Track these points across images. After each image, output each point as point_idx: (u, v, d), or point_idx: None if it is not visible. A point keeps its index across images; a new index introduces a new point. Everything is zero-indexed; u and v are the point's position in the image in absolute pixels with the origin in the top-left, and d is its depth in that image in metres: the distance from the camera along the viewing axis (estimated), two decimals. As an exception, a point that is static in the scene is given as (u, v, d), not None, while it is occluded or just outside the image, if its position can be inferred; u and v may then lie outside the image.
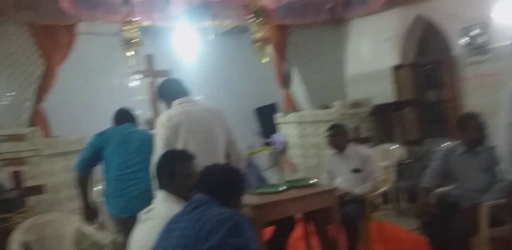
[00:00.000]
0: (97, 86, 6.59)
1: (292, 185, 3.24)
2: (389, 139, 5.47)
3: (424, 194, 3.04)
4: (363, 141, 5.42)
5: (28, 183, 3.83)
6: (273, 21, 5.13)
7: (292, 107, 6.29)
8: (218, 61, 7.86)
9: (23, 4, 4.36)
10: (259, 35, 4.88)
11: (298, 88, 6.23)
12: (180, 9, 4.38)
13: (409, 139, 5.52)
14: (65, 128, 5.47)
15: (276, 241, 3.34)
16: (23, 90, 4.60)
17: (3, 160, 3.75)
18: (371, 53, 5.96)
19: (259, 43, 4.88)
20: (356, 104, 5.50)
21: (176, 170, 2.01)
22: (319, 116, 5.47)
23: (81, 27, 5.95)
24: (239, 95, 8.11)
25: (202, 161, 2.15)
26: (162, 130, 2.67)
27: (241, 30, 6.05)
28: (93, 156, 3.06)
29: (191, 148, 2.54)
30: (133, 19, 4.54)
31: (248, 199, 2.94)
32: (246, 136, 7.70)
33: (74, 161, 4.09)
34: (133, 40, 4.76)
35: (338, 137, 3.51)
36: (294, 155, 5.69)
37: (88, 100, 6.69)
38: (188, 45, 6.73)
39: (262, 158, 7.19)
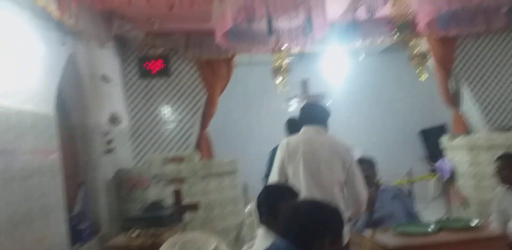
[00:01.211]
0: (258, 111, 7.01)
1: (446, 225, 2.70)
2: None
3: None
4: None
5: (185, 201, 4.22)
6: (433, 34, 4.57)
7: (464, 129, 5.45)
8: (376, 81, 7.49)
9: (191, 43, 5.14)
10: (415, 50, 4.39)
11: (470, 108, 5.37)
12: (327, 33, 4.30)
13: None
14: (229, 150, 5.98)
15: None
16: (190, 117, 5.21)
17: (166, 179, 4.24)
18: None
19: (416, 59, 4.38)
20: (550, 126, 4.40)
21: (277, 207, 1.87)
22: (496, 140, 4.56)
23: (241, 59, 6.49)
24: (402, 116, 7.53)
25: (310, 194, 1.96)
26: (279, 153, 2.61)
27: (398, 47, 5.60)
28: None
29: (301, 177, 2.46)
30: (281, 48, 4.68)
31: (387, 238, 2.59)
32: (407, 161, 7.02)
33: (225, 182, 4.44)
34: (282, 68, 4.86)
35: (509, 171, 2.81)
36: (464, 186, 4.84)
37: (250, 124, 7.17)
38: (340, 67, 6.61)
39: (426, 187, 6.41)
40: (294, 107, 7.50)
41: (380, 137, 7.46)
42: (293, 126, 3.67)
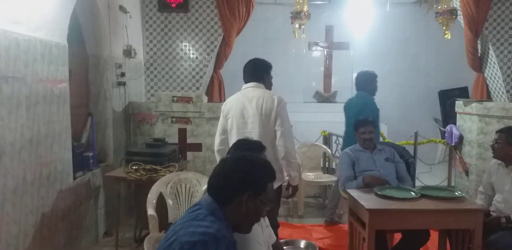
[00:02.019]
0: (277, 56, 6.87)
1: (428, 193, 2.75)
2: None
3: None
4: None
5: (189, 140, 4.38)
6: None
7: (483, 95, 5.28)
8: (404, 35, 7.15)
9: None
10: (443, 6, 4.09)
11: (493, 73, 5.13)
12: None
13: None
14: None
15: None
16: (204, 57, 5.18)
17: (173, 117, 4.36)
18: None
19: (444, 15, 4.09)
20: None
21: None
22: (510, 111, 4.41)
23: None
24: (425, 74, 7.31)
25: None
26: (221, 113, 2.91)
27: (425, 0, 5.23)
28: None
29: (233, 133, 2.77)
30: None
31: (368, 199, 2.68)
32: (422, 121, 6.96)
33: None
34: (303, 12, 4.64)
35: (503, 145, 2.76)
36: (469, 154, 4.82)
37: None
38: (366, 16, 6.28)
39: (432, 151, 6.40)
40: (314, 54, 7.33)
41: (400, 93, 7.32)
42: (360, 80, 4.08)
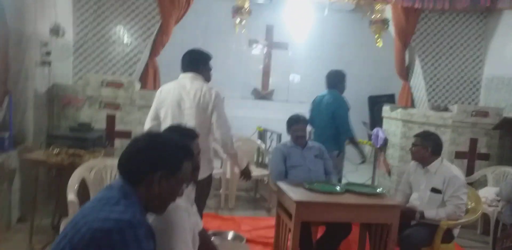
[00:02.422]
0: (216, 50, 6.75)
1: (352, 189, 2.87)
2: (513, 161, 4.54)
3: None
4: (479, 157, 4.61)
5: (118, 127, 4.18)
6: (398, 3, 4.50)
7: (408, 102, 5.65)
8: (340, 41, 7.42)
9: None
10: (377, 16, 4.32)
11: (418, 82, 5.51)
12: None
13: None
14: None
15: (325, 244, 3.08)
16: (139, 43, 4.96)
17: (101, 102, 4.13)
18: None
19: (376, 25, 4.33)
20: (482, 113, 4.62)
21: None
22: (430, 118, 4.76)
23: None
24: (357, 79, 7.58)
25: None
26: (155, 99, 2.87)
27: (362, 9, 5.49)
28: None
29: (168, 123, 2.70)
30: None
31: (296, 192, 2.73)
32: (351, 123, 7.26)
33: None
34: (244, 8, 4.64)
35: (421, 148, 2.97)
36: (392, 155, 5.12)
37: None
38: (305, 19, 6.43)
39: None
40: (252, 52, 7.38)
41: (332, 96, 7.57)
42: (331, 79, 4.09)
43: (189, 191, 1.82)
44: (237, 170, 3.87)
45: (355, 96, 7.55)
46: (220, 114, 2.73)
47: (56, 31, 4.13)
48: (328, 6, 5.35)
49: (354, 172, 5.58)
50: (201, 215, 2.40)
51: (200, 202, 2.50)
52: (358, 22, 6.10)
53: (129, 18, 4.91)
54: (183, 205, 1.66)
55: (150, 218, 1.46)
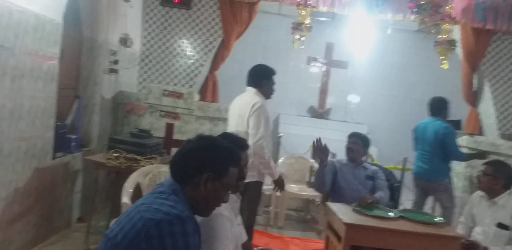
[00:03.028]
0: (274, 66, 6.83)
1: (407, 215, 2.70)
2: None
3: None
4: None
5: (176, 136, 4.30)
6: (468, 23, 4.27)
7: (475, 129, 5.30)
8: (403, 61, 7.19)
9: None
10: (443, 36, 4.12)
11: (487, 109, 5.17)
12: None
13: None
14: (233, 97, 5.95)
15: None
16: (201, 56, 5.14)
17: (162, 111, 4.28)
18: None
19: (442, 46, 4.13)
20: (559, 144, 4.22)
21: None
22: (500, 148, 4.42)
23: (270, 7, 6.14)
24: (420, 102, 7.29)
25: None
26: None
27: (427, 28, 5.29)
28: None
29: (228, 129, 3.08)
30: (308, 2, 4.45)
31: (345, 213, 2.62)
32: (412, 148, 6.92)
33: (219, 127, 4.45)
34: (304, 24, 4.64)
35: (490, 178, 2.73)
36: (456, 185, 4.78)
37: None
38: (367, 37, 6.31)
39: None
40: (312, 69, 7.34)
41: (394, 119, 7.30)
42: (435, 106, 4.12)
43: (234, 202, 1.81)
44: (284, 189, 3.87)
45: (417, 121, 7.26)
46: (255, 123, 2.91)
47: (124, 41, 4.38)
48: (392, 25, 5.21)
49: (413, 200, 5.27)
50: (249, 226, 2.41)
51: (250, 211, 2.54)
52: (422, 42, 5.89)
53: (193, 32, 5.11)
54: (227, 215, 1.65)
55: None
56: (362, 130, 6.87)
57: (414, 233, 2.52)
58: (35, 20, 2.72)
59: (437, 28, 4.60)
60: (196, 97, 4.42)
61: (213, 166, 1.38)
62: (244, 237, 1.96)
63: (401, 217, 2.67)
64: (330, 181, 3.23)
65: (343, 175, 3.27)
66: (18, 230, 2.84)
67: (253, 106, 2.94)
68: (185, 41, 5.13)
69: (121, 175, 3.25)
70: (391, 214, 2.70)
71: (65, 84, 3.54)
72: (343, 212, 2.66)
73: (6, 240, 2.71)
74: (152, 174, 3.05)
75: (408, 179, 4.98)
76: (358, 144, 3.33)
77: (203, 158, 1.38)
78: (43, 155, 3.04)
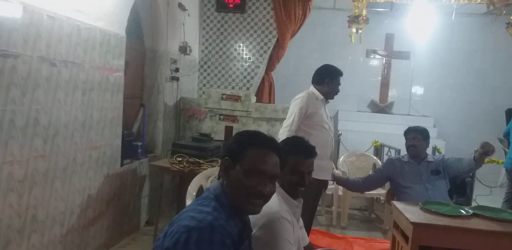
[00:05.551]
0: (333, 62, 6.71)
1: (481, 212, 2.52)
2: None
3: None
4: None
5: (235, 139, 4.37)
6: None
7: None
8: (470, 47, 6.75)
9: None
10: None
11: None
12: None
13: None
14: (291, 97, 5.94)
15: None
16: (257, 58, 5.19)
17: (221, 114, 4.39)
18: None
19: (516, 27, 3.79)
20: None
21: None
22: None
23: (325, 2, 6.04)
24: (491, 89, 6.85)
25: None
26: None
27: (496, 10, 4.88)
28: None
29: None
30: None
31: (412, 212, 2.51)
32: (484, 140, 6.45)
33: (277, 127, 4.47)
34: (360, 17, 4.50)
35: None
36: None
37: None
38: (429, 25, 5.97)
39: (495, 173, 5.93)
40: (373, 62, 7.11)
41: (462, 109, 6.90)
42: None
43: (295, 207, 1.80)
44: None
45: (490, 109, 6.79)
46: (289, 113, 3.01)
47: (184, 49, 4.54)
48: (456, 10, 4.88)
49: (487, 196, 4.94)
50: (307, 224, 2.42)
51: (306, 211, 2.53)
52: (491, 25, 5.46)
53: (248, 34, 5.18)
54: (288, 218, 1.65)
55: (254, 228, 1.48)
56: (428, 122, 6.56)
57: (490, 231, 2.33)
58: (101, 35, 2.92)
59: (508, 9, 4.25)
60: (253, 99, 4.48)
61: (229, 148, 1.39)
62: (306, 241, 1.96)
63: (474, 215, 2.50)
64: (376, 186, 3.37)
65: (405, 175, 3.14)
66: (92, 234, 3.03)
67: (294, 99, 3.05)
68: (241, 44, 5.21)
69: (185, 178, 3.39)
70: (463, 211, 2.54)
71: (131, 94, 3.74)
72: (410, 211, 2.55)
73: (82, 244, 2.91)
74: (214, 176, 3.14)
75: (481, 173, 4.66)
76: (418, 138, 3.17)
77: (225, 145, 1.45)
78: (113, 162, 3.23)
